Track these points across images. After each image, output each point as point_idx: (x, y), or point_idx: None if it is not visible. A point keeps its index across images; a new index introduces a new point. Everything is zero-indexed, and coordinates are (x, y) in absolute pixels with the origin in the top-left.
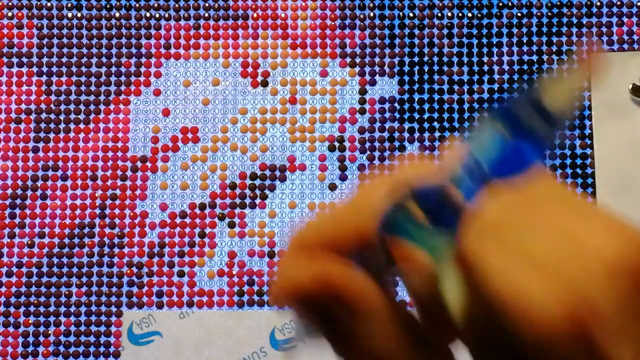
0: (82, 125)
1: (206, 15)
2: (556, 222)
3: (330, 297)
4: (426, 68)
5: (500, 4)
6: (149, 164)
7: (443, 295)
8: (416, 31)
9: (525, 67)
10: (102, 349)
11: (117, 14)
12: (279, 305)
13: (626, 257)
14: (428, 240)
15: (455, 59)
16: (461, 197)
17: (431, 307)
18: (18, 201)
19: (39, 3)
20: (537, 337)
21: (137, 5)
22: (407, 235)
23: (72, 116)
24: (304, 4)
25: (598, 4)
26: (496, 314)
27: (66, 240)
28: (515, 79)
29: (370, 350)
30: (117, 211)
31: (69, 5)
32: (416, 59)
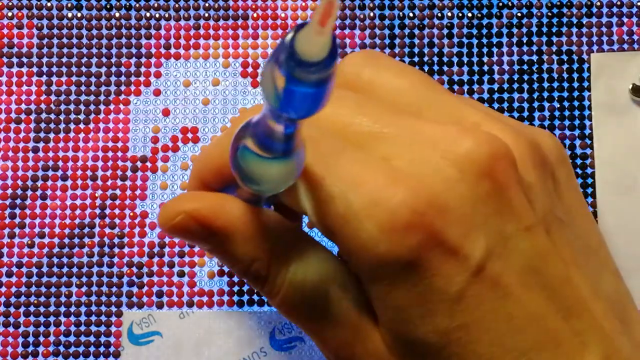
0: (82, 125)
1: (206, 15)
2: (406, 124)
3: (202, 227)
4: (426, 68)
5: (500, 4)
6: (149, 164)
7: (303, 211)
8: (416, 31)
9: (525, 67)
10: (102, 349)
11: (117, 14)
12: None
13: (475, 150)
14: (268, 168)
15: (455, 59)
16: (280, 130)
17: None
18: (18, 201)
19: (39, 3)
20: (386, 238)
21: (137, 5)
22: (250, 166)
23: (72, 116)
24: (304, 4)
25: (598, 4)
26: (347, 221)
27: (66, 240)
28: (515, 79)
29: (238, 261)
30: (117, 211)
31: (69, 5)
32: (416, 59)
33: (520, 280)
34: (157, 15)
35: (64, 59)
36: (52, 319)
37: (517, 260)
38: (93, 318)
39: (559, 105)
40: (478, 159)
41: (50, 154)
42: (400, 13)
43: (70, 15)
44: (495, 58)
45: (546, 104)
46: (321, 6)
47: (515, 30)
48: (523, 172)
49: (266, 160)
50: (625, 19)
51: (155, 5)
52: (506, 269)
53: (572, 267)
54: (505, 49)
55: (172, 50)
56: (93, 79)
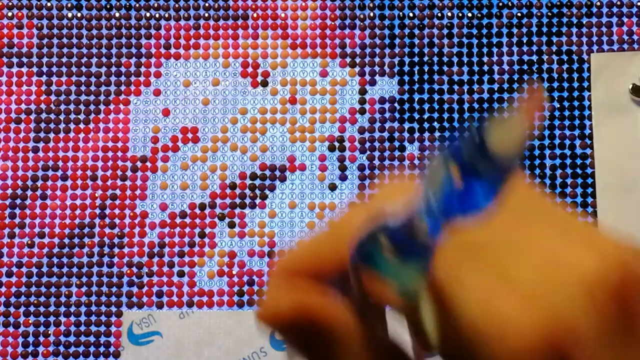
0: (82, 125)
1: (206, 15)
2: (534, 240)
3: (307, 325)
4: (426, 68)
5: (500, 4)
6: (149, 164)
7: (422, 325)
8: (416, 31)
9: (525, 67)
10: (102, 349)
11: (117, 14)
12: (263, 329)
13: (604, 275)
14: (398, 273)
15: (455, 59)
16: (425, 231)
17: (415, 335)
18: (18, 201)
19: (39, 3)
20: None
21: (137, 5)
22: (377, 267)
23: (72, 116)
24: (304, 4)
25: (598, 4)
26: (472, 342)
27: (66, 240)
28: (515, 79)
29: None
30: (117, 211)
31: (69, 5)
32: (416, 59)
33: None
34: (157, 15)
35: (64, 59)
36: (52, 319)
37: None
38: (93, 318)
39: (559, 105)
40: (607, 285)
41: (50, 154)
42: (400, 13)
43: (70, 15)
44: (495, 58)
45: (546, 104)
46: (530, 99)
47: (515, 30)
48: None
49: (401, 263)
50: (625, 19)
51: (155, 5)
52: None
53: None
54: (505, 49)
55: (172, 50)
56: (93, 79)
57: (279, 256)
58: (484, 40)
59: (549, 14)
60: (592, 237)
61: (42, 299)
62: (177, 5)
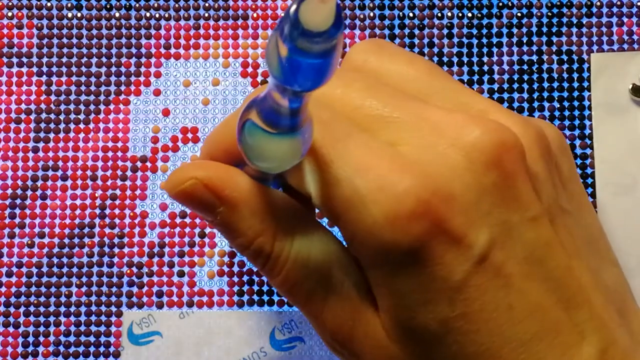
0: (82, 125)
1: (206, 15)
2: (421, 113)
3: (204, 194)
4: None
5: (500, 4)
6: (149, 164)
7: (307, 190)
8: (416, 31)
9: (525, 67)
10: (102, 349)
11: (117, 14)
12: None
13: (483, 140)
14: (275, 142)
15: (455, 59)
16: (285, 101)
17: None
18: (18, 201)
19: (39, 3)
20: (390, 225)
21: (137, 5)
22: (255, 140)
23: (72, 116)
24: None
25: (598, 4)
26: (350, 204)
27: (66, 240)
28: (515, 79)
29: (241, 234)
30: (117, 211)
31: (69, 5)
32: None
33: (522, 270)
34: (157, 15)
35: (64, 59)
36: (52, 319)
37: (521, 250)
38: (93, 318)
39: (559, 105)
40: (486, 148)
41: (50, 154)
42: (400, 13)
43: (70, 15)
44: (495, 58)
45: (546, 104)
46: None
47: (515, 30)
48: (530, 162)
49: (272, 136)
50: (625, 19)
51: (155, 5)
52: (509, 259)
53: (575, 258)
54: (505, 49)
55: (172, 50)
56: (93, 79)
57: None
58: (484, 40)
59: (549, 14)
60: (480, 108)
61: (42, 299)
62: (177, 5)
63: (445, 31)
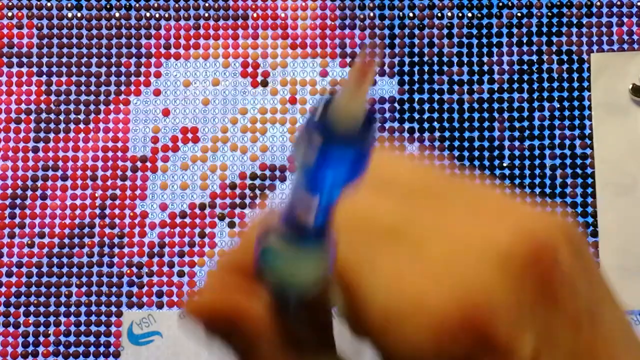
0: (82, 125)
1: (206, 15)
2: (445, 220)
3: (226, 324)
4: (426, 68)
5: (500, 4)
6: (149, 164)
7: (337, 311)
8: (416, 31)
9: (525, 67)
10: (102, 349)
11: (117, 14)
12: (190, 323)
13: (516, 247)
14: (295, 266)
15: (455, 59)
16: (312, 215)
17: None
18: (18, 201)
19: (39, 3)
20: (434, 343)
21: (137, 5)
22: (273, 265)
23: (72, 116)
24: (304, 4)
25: (598, 4)
26: (385, 325)
27: (66, 240)
28: (515, 79)
29: None
30: (117, 211)
31: (69, 5)
32: (416, 59)
33: None
34: (157, 15)
35: (64, 59)
36: (52, 319)
37: (563, 355)
38: (93, 318)
39: (559, 105)
40: (519, 256)
41: (50, 154)
42: (400, 13)
43: (70, 15)
44: (495, 58)
45: (546, 104)
46: (359, 64)
47: (515, 30)
48: (562, 261)
49: (297, 257)
50: (625, 19)
51: (155, 5)
52: None
53: (616, 358)
54: (505, 49)
55: (172, 50)
56: (93, 79)
57: (222, 254)
58: (484, 40)
59: (549, 14)
60: (504, 210)
61: (42, 299)
62: (177, 5)
63: (445, 31)
